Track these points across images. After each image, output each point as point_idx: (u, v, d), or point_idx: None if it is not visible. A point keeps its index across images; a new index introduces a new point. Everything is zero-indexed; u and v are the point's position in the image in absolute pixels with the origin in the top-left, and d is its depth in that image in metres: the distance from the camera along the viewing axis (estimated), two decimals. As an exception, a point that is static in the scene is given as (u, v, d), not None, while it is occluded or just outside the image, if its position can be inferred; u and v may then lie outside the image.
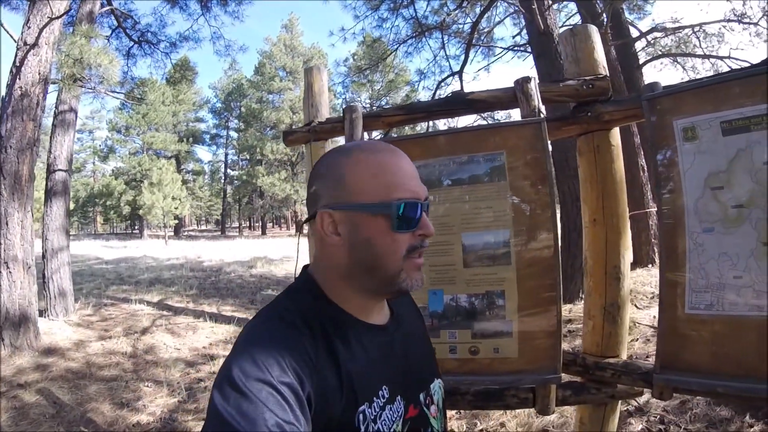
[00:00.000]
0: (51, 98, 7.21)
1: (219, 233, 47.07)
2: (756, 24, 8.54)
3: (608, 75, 1.81)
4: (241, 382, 0.61)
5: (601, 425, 1.88)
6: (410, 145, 1.95)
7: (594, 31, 1.88)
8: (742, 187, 1.49)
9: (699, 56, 9.85)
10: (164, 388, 4.45)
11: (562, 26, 10.37)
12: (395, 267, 0.75)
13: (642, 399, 3.16)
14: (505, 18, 8.62)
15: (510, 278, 1.77)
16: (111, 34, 9.85)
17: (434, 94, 8.66)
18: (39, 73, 5.73)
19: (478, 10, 8.38)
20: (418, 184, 0.77)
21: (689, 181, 1.57)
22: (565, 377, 1.86)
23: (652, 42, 10.57)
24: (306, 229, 0.99)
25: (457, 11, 8.15)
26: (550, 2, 6.84)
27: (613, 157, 1.80)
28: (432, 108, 2.16)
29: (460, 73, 8.22)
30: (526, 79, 1.86)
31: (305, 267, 0.86)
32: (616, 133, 1.83)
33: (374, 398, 0.73)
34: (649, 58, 10.24)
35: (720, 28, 9.54)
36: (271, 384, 0.61)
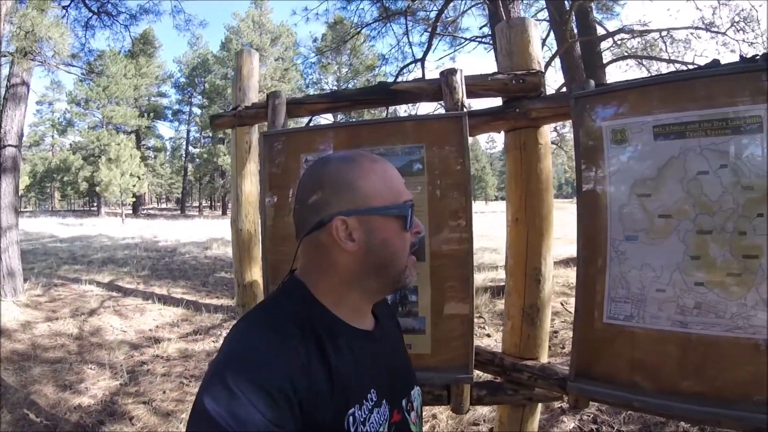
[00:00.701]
0: (3, 71, 7.14)
1: (178, 212, 46.15)
2: (724, 34, 8.64)
3: (542, 71, 1.72)
4: (231, 382, 0.61)
5: (519, 426, 1.84)
6: (334, 133, 1.86)
7: (531, 25, 1.79)
8: (672, 196, 1.42)
9: (664, 60, 9.95)
10: (107, 371, 4.47)
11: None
12: (404, 264, 0.80)
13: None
14: (470, 8, 8.52)
15: (423, 274, 1.71)
16: (69, 3, 9.34)
17: (395, 79, 8.55)
18: None
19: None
20: (405, 188, 0.83)
21: (615, 186, 1.50)
22: (486, 376, 1.84)
23: (618, 43, 10.66)
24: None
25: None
26: (514, -4, 6.78)
27: (540, 155, 1.72)
28: (356, 97, 2.07)
29: (422, 60, 8.12)
30: (452, 71, 1.77)
31: (292, 272, 0.86)
32: (545, 131, 1.75)
33: (363, 401, 0.75)
34: (614, 58, 10.31)
35: (687, 35, 9.65)
36: (261, 386, 0.61)
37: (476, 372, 1.86)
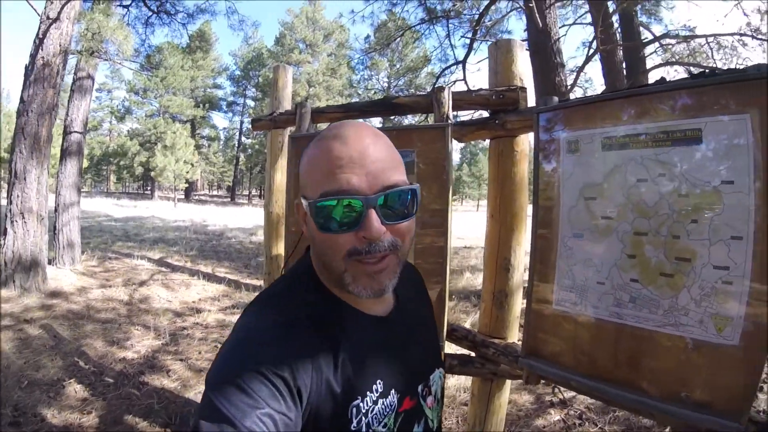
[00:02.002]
0: (71, 62, 7.87)
1: (228, 200, 47.58)
2: None
3: (522, 87, 1.97)
4: (235, 372, 0.62)
5: (488, 398, 2.09)
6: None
7: (516, 45, 2.04)
8: (614, 200, 1.56)
9: (710, 67, 9.69)
10: (151, 332, 5.05)
11: (573, 24, 10.38)
12: (338, 267, 0.70)
13: (568, 394, 3.35)
14: (509, 12, 8.65)
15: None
16: (131, 3, 10.08)
17: (436, 81, 8.75)
18: (60, 45, 6.28)
19: (485, 3, 8.42)
20: (356, 176, 0.67)
21: (567, 190, 1.69)
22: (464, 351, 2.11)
23: (664, 48, 10.45)
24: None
25: (464, 1, 8.19)
26: (552, 1, 6.87)
27: (514, 162, 1.98)
28: (365, 108, 2.45)
29: (463, 62, 8.30)
30: (440, 89, 2.07)
31: (307, 250, 0.83)
32: (521, 140, 2.00)
33: (368, 392, 0.72)
34: (658, 63, 10.14)
35: (734, 41, 9.38)
36: (265, 375, 0.61)
37: (453, 345, 2.15)
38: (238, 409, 0.58)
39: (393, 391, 0.76)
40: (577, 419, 3.17)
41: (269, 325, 0.69)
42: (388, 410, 0.75)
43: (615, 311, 1.54)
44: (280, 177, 2.93)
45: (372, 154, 0.68)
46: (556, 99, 1.78)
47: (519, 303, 2.09)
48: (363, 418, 0.70)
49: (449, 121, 2.01)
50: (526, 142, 2.02)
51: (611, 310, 1.55)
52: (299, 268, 0.81)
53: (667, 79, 1.54)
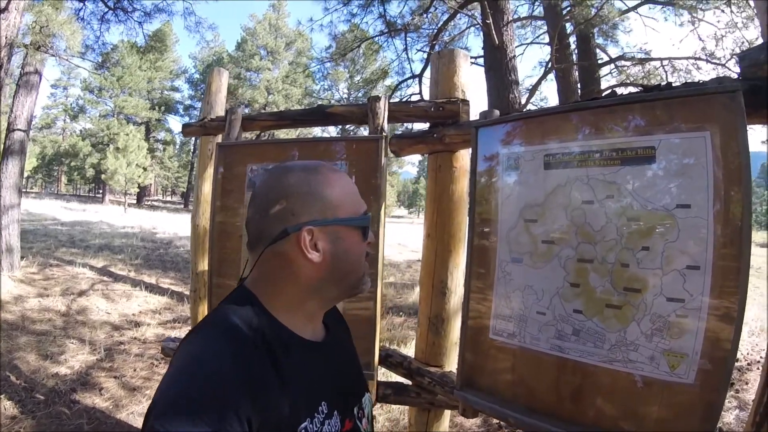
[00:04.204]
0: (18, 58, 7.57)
1: (182, 206, 46.32)
2: (723, 65, 8.72)
3: (464, 99, 1.86)
4: (184, 403, 0.61)
5: (425, 428, 1.95)
6: (272, 149, 2.03)
7: (459, 55, 1.93)
8: (556, 223, 1.45)
9: (645, 86, 9.97)
10: (87, 347, 4.85)
11: (531, 43, 10.58)
12: (362, 271, 0.84)
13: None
14: (467, 29, 8.70)
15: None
16: (86, -2, 9.61)
17: (392, 94, 8.75)
18: (5, 38, 5.95)
19: (444, 18, 8.46)
20: None
21: (505, 211, 1.58)
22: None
23: (619, 69, 10.77)
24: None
25: (424, 16, 8.18)
26: (509, 19, 6.94)
27: (453, 178, 1.86)
28: (297, 117, 2.31)
29: (419, 76, 8.28)
30: (376, 98, 1.93)
31: (242, 280, 0.85)
32: (461, 156, 1.89)
33: (315, 414, 0.75)
34: (612, 84, 10.43)
35: (688, 65, 9.72)
36: (216, 406, 0.61)
37: (389, 372, 1.99)
38: None
39: (336, 412, 0.79)
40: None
41: (217, 352, 0.68)
42: (334, 430, 0.77)
43: (557, 344, 1.42)
44: (208, 188, 2.67)
45: None
46: (497, 112, 1.67)
47: (457, 329, 1.95)
48: None
49: (383, 134, 1.88)
50: (466, 157, 1.90)
51: (552, 343, 1.43)
52: (239, 296, 0.80)
53: (608, 93, 1.46)
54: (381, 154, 1.82)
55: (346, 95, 35.76)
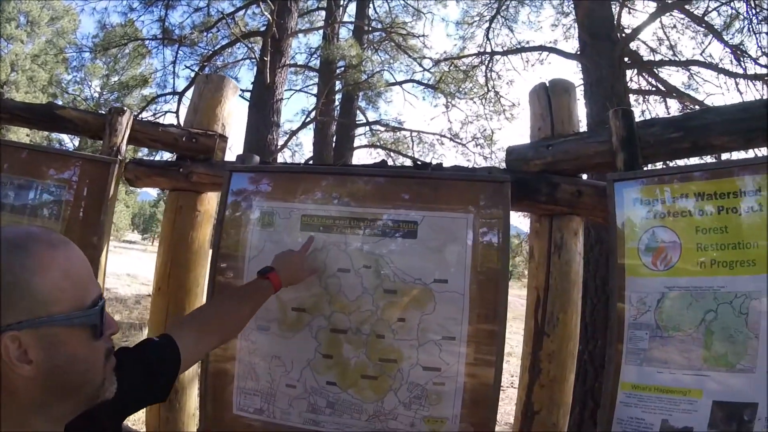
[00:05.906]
0: None
1: None
2: (464, 145, 10.38)
3: (223, 135, 1.63)
4: None
5: None
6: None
7: (229, 85, 1.72)
8: (309, 290, 1.38)
9: (409, 157, 11.42)
10: None
11: (299, 91, 11.01)
12: (100, 378, 0.66)
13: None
14: (243, 60, 8.51)
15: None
16: None
17: (147, 105, 8.04)
18: None
19: (223, 42, 8.15)
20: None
21: (252, 271, 1.39)
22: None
23: (373, 132, 11.89)
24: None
25: (204, 33, 7.72)
26: (287, 62, 7.08)
27: (195, 224, 1.62)
28: (18, 112, 1.75)
29: (181, 94, 7.65)
30: (120, 111, 1.59)
31: None
32: (208, 199, 1.66)
33: None
34: (364, 144, 11.46)
35: (434, 140, 11.33)
36: None
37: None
38: None
39: None
40: None
41: None
42: None
43: (310, 418, 1.34)
44: None
45: None
46: (257, 158, 1.49)
47: (194, 399, 1.68)
48: None
49: (119, 157, 1.52)
50: (213, 201, 1.67)
51: (306, 417, 1.34)
52: None
53: (379, 162, 1.46)
54: (111, 182, 1.45)
55: (97, 94, 31.44)
